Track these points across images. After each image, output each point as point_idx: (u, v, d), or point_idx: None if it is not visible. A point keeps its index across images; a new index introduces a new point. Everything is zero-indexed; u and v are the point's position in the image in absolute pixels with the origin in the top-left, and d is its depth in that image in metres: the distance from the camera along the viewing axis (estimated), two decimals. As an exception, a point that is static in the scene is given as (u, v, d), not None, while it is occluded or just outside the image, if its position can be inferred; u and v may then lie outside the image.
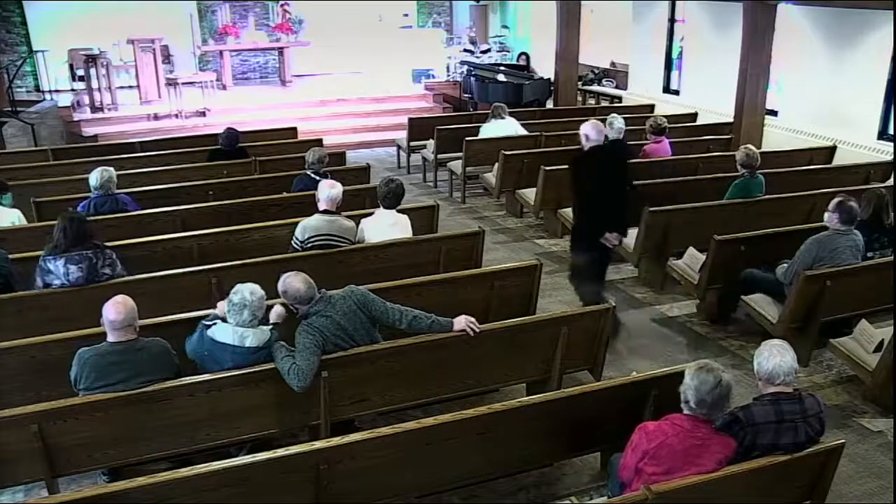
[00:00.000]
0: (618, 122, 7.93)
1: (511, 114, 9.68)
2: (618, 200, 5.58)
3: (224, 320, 3.90)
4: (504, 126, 9.38)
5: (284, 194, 6.94)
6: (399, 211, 5.73)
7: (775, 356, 3.26)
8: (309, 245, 5.45)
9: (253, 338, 3.86)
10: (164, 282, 5.06)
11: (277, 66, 15.78)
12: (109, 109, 12.56)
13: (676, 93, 12.41)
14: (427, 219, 6.58)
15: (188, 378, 3.81)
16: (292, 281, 3.96)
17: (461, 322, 4.21)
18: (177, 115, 12.52)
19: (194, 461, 3.38)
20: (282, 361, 3.84)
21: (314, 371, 3.84)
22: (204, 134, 10.46)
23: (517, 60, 15.23)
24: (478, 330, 4.22)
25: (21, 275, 4.99)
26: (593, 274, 5.75)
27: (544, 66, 14.19)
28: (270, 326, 3.97)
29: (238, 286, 3.86)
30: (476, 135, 9.32)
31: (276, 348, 3.92)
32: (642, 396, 3.87)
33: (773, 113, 10.33)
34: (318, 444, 3.33)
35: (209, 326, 3.89)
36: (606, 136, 5.65)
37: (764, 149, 8.57)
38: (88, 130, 12.07)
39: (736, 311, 5.99)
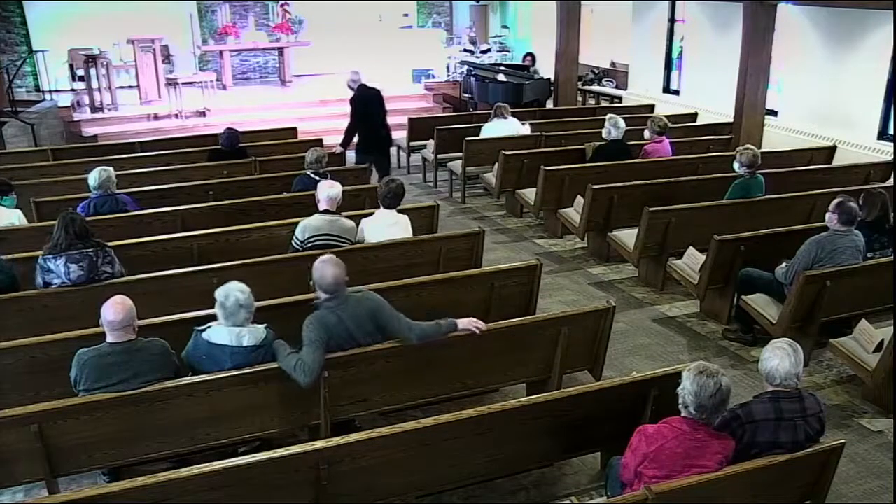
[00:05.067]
0: (619, 122, 8.00)
1: (511, 114, 9.68)
2: (377, 125, 8.63)
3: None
4: (506, 126, 9.38)
5: (284, 194, 6.95)
6: (399, 211, 5.74)
7: (775, 358, 3.25)
8: (309, 245, 5.45)
9: (250, 336, 3.86)
10: (164, 282, 5.06)
11: (277, 66, 15.78)
12: (109, 109, 12.56)
13: (676, 93, 12.41)
14: (427, 219, 6.58)
15: (188, 378, 3.81)
16: (325, 267, 3.94)
17: (464, 322, 4.21)
18: (177, 115, 12.52)
19: (194, 461, 3.38)
20: (286, 359, 3.85)
21: (320, 366, 3.83)
22: (204, 134, 10.46)
23: (523, 60, 15.23)
24: (483, 328, 4.22)
25: (21, 275, 4.98)
26: (377, 168, 8.69)
27: (544, 66, 14.19)
28: (265, 325, 3.97)
29: (226, 289, 3.81)
30: (476, 135, 9.32)
31: (277, 348, 3.92)
32: (642, 396, 3.87)
33: (773, 113, 10.33)
34: (318, 444, 3.33)
35: (203, 331, 3.88)
36: (363, 84, 8.58)
37: (764, 149, 8.56)
38: (88, 130, 12.07)
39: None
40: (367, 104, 8.57)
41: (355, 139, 8.74)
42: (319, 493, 3.36)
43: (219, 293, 3.81)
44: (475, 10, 17.52)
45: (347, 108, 9.40)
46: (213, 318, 3.95)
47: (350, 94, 8.73)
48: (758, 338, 5.66)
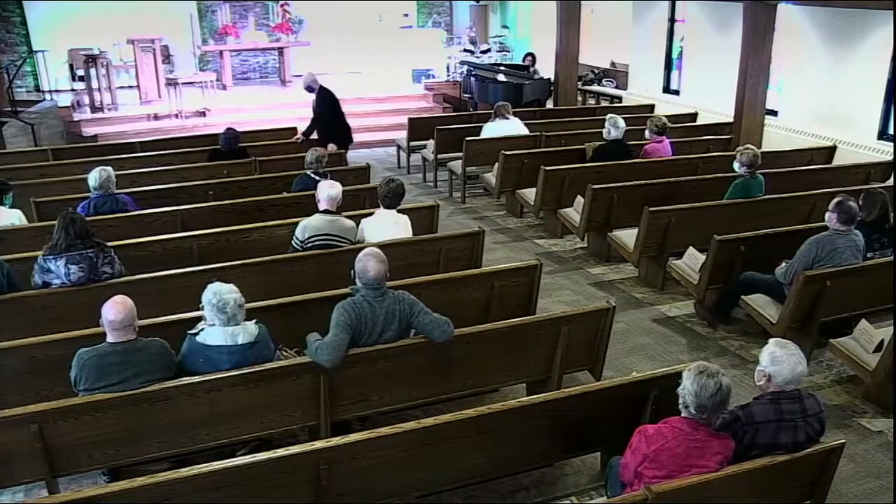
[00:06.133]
0: (619, 122, 8.00)
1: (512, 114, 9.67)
2: (337, 123, 9.36)
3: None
4: (508, 126, 9.37)
5: (284, 194, 6.95)
6: (399, 211, 5.74)
7: (784, 362, 3.22)
8: (309, 245, 5.45)
9: (244, 333, 3.86)
10: (164, 282, 5.06)
11: (277, 66, 15.79)
12: (109, 109, 12.57)
13: (676, 93, 12.41)
14: (427, 219, 6.58)
15: (188, 378, 3.81)
16: (369, 262, 3.96)
17: None
18: (177, 115, 12.52)
19: (194, 461, 3.38)
20: (310, 346, 3.92)
21: (343, 348, 3.86)
22: (204, 134, 10.46)
23: (523, 60, 15.26)
24: None
25: (21, 275, 4.98)
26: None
27: (544, 66, 14.20)
28: (255, 320, 3.97)
29: (217, 293, 3.79)
30: (476, 135, 9.32)
31: (308, 340, 3.98)
32: (642, 396, 3.87)
33: (773, 113, 10.33)
34: (318, 444, 3.33)
35: (196, 334, 3.88)
36: (322, 85, 9.33)
37: (764, 149, 8.56)
38: (88, 130, 12.07)
39: (734, 312, 5.99)
40: (333, 104, 9.32)
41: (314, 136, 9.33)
42: (319, 493, 3.36)
43: (210, 298, 3.79)
44: (475, 10, 17.52)
45: (347, 109, 9.60)
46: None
47: (305, 94, 9.55)
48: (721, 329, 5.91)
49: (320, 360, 3.85)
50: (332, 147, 8.96)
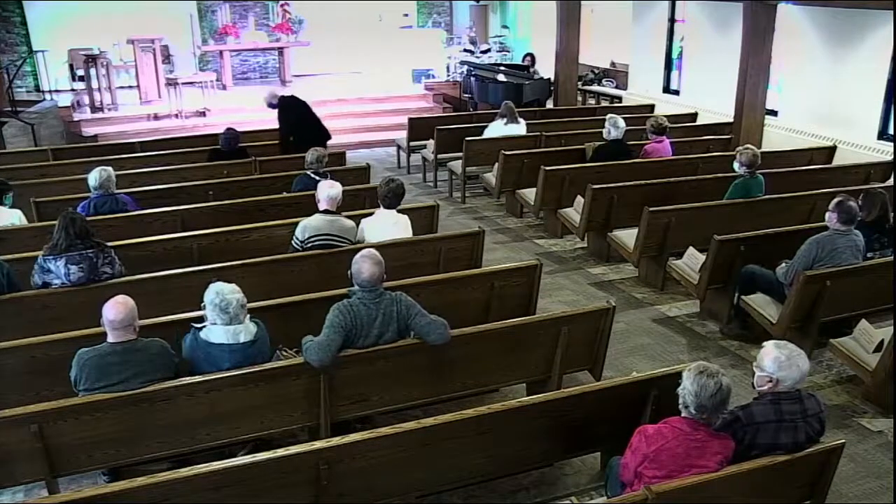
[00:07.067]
0: (619, 122, 8.00)
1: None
2: (306, 131, 8.72)
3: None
4: (515, 129, 9.36)
5: (284, 194, 6.95)
6: (399, 211, 5.74)
7: (794, 367, 3.21)
8: (309, 245, 5.45)
9: (245, 332, 3.87)
10: (164, 282, 5.06)
11: (277, 66, 15.79)
12: (109, 109, 12.56)
13: (676, 93, 12.41)
14: (427, 219, 6.58)
15: (188, 378, 3.81)
16: (363, 263, 3.96)
17: None
18: (177, 115, 12.53)
19: (194, 461, 3.38)
20: (303, 345, 3.91)
21: (333, 349, 3.86)
22: (204, 134, 10.46)
23: (522, 60, 15.25)
24: None
25: (21, 275, 4.98)
26: None
27: (544, 66, 14.21)
28: (248, 315, 3.95)
29: (219, 293, 3.80)
30: (476, 135, 9.31)
31: (303, 343, 3.96)
32: (642, 396, 3.87)
33: (773, 113, 10.33)
34: (318, 444, 3.33)
35: (199, 329, 3.88)
36: (283, 95, 8.98)
37: (764, 149, 8.57)
38: (88, 130, 12.07)
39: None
40: (294, 110, 8.85)
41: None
42: (319, 493, 3.36)
43: (213, 298, 3.80)
44: (475, 10, 17.52)
45: (346, 109, 9.58)
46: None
47: (266, 110, 9.13)
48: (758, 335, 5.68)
49: (310, 359, 3.86)
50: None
